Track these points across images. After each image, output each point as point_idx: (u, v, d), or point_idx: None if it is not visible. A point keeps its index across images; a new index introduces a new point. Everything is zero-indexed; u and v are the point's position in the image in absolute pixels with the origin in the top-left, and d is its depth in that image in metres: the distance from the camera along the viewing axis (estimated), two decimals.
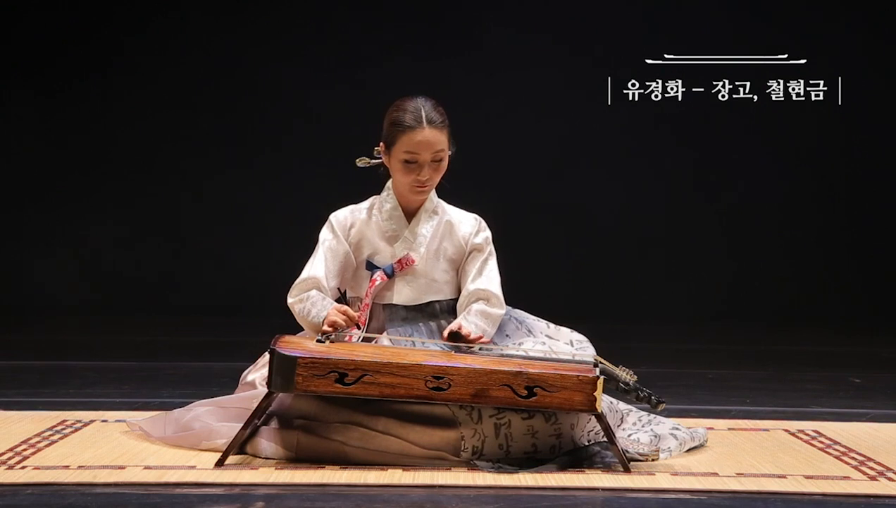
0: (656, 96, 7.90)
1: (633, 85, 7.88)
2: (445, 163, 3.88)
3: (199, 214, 7.93)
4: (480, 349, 3.73)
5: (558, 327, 3.96)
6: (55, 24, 7.89)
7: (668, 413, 4.03)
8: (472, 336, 3.72)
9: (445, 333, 3.75)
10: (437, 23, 7.93)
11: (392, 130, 3.85)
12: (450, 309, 3.95)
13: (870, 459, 3.79)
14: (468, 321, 3.80)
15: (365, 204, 3.99)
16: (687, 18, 7.93)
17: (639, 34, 7.92)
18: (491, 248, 3.99)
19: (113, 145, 7.96)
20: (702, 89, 7.90)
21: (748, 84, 7.89)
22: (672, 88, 7.91)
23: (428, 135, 3.83)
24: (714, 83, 7.91)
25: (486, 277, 3.93)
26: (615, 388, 3.63)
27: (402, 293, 3.91)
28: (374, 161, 3.98)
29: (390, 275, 3.90)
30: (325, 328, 3.74)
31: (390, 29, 7.90)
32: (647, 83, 7.89)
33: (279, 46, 7.92)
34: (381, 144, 3.91)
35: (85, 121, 7.93)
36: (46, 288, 7.83)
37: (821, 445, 4.00)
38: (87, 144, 7.94)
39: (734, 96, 7.94)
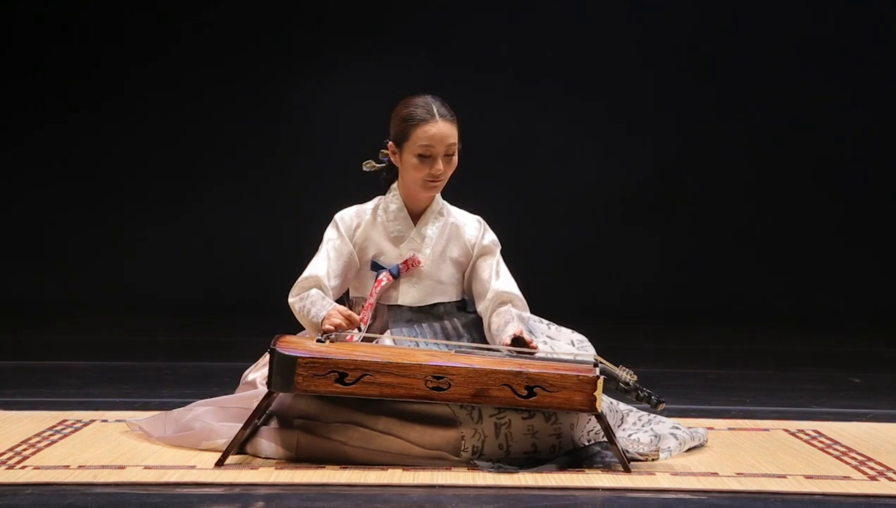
0: (658, 95, 7.92)
1: (635, 82, 7.90)
2: (456, 158, 3.88)
3: (198, 214, 7.93)
4: (519, 353, 3.70)
5: (559, 327, 3.96)
6: (88, 37, 7.94)
7: (669, 413, 4.03)
8: (534, 345, 3.70)
9: (508, 339, 3.73)
10: (438, 24, 7.93)
11: (404, 126, 3.85)
12: (455, 311, 3.94)
13: (870, 459, 3.79)
14: (525, 329, 3.79)
15: (370, 205, 3.98)
16: (687, 20, 7.95)
17: (642, 35, 7.93)
18: (499, 250, 3.99)
19: (115, 146, 7.97)
20: (704, 87, 7.93)
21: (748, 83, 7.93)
22: (674, 86, 7.92)
23: (442, 127, 3.83)
24: (713, 82, 7.94)
25: (505, 279, 3.93)
26: (615, 388, 3.63)
27: (408, 294, 3.91)
28: (379, 165, 3.98)
29: (396, 276, 3.89)
30: (327, 326, 3.73)
31: (392, 30, 7.91)
32: (649, 82, 7.91)
33: (282, 49, 7.93)
34: (391, 143, 3.90)
35: (93, 131, 7.96)
36: (46, 289, 7.83)
37: (821, 445, 4.00)
38: (93, 147, 7.96)
39: (734, 97, 7.95)
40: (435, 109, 3.84)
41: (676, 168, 7.95)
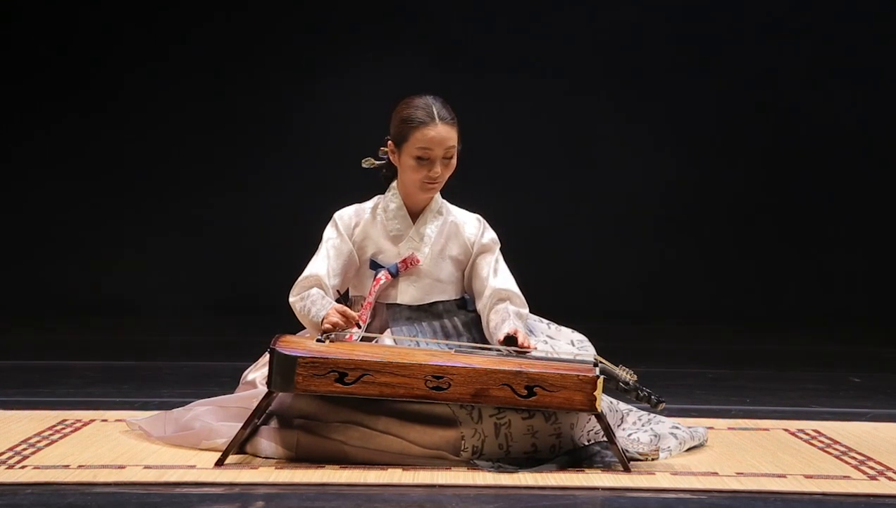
0: (661, 92, 7.92)
1: (636, 80, 7.90)
2: (455, 160, 3.88)
3: (197, 215, 7.93)
4: (518, 353, 3.70)
5: (559, 327, 3.96)
6: (83, 41, 7.97)
7: (669, 413, 4.03)
8: (527, 344, 3.71)
9: (502, 337, 3.73)
10: (439, 23, 7.93)
11: (403, 127, 3.84)
12: (454, 309, 3.94)
13: (870, 458, 3.79)
14: (522, 328, 3.79)
15: (369, 203, 3.98)
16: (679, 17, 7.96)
17: (643, 32, 7.93)
18: (499, 248, 3.99)
19: (117, 150, 7.97)
20: (704, 83, 7.94)
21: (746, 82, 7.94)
22: (676, 82, 7.93)
23: (441, 130, 3.82)
24: (711, 81, 7.95)
25: (503, 276, 3.93)
26: (615, 388, 3.63)
27: (407, 293, 3.91)
28: (378, 162, 3.98)
29: (395, 274, 3.89)
30: (326, 326, 3.73)
31: (397, 31, 7.91)
32: (651, 79, 7.91)
33: (282, 47, 7.94)
34: (390, 142, 3.90)
35: (95, 130, 7.96)
36: (46, 288, 7.83)
37: (821, 444, 4.00)
38: (97, 151, 7.97)
39: (735, 97, 7.96)
40: (435, 112, 3.83)
41: (679, 170, 7.94)
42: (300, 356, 3.54)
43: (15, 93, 7.96)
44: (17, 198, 7.97)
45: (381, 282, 3.88)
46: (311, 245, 3.96)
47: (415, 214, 3.95)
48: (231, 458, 3.60)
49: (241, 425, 3.63)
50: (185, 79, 7.95)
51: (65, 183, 7.92)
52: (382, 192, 3.98)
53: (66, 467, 3.54)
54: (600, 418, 3.57)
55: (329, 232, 3.95)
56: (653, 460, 3.68)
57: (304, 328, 3.90)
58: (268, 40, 7.97)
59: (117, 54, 7.96)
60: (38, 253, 7.92)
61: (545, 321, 3.98)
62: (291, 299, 3.88)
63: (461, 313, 3.95)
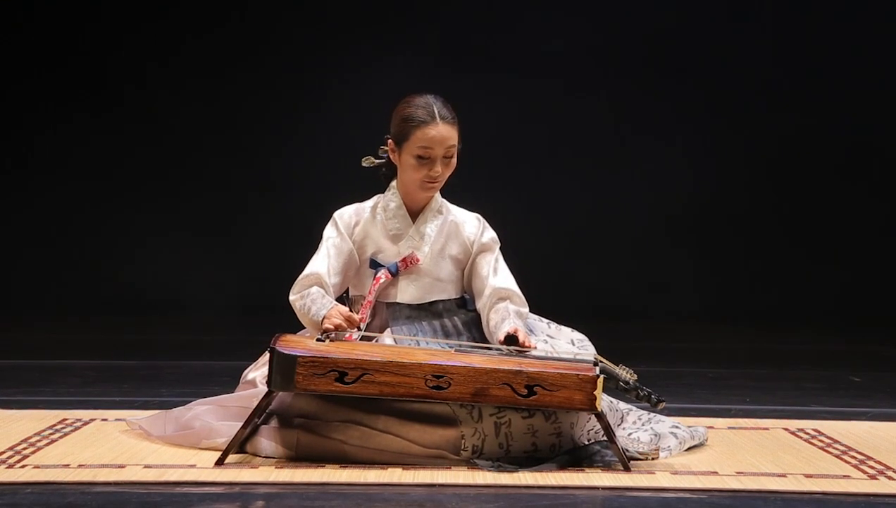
0: (659, 93, 7.92)
1: (639, 81, 7.91)
2: (455, 159, 3.88)
3: (198, 212, 7.93)
4: (519, 352, 3.70)
5: (559, 326, 3.96)
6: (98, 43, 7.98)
7: (669, 412, 4.03)
8: (527, 343, 3.71)
9: (502, 336, 3.73)
10: (440, 22, 7.94)
11: (404, 126, 3.84)
12: (454, 308, 3.94)
13: (870, 458, 3.79)
14: (522, 327, 3.79)
15: (369, 203, 3.99)
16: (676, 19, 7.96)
17: (642, 34, 7.94)
18: (498, 247, 3.99)
19: (121, 149, 7.98)
20: (701, 83, 7.94)
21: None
22: (679, 83, 7.93)
23: (441, 130, 3.82)
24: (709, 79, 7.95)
25: (503, 275, 3.93)
26: (615, 387, 3.63)
27: (407, 292, 3.91)
28: (378, 161, 3.98)
29: (395, 273, 3.90)
30: (327, 325, 3.73)
31: (395, 28, 7.91)
32: (653, 80, 7.91)
33: (282, 47, 7.94)
34: (390, 141, 3.90)
35: (97, 128, 7.97)
36: (47, 288, 7.84)
37: (821, 444, 4.00)
38: (102, 150, 7.97)
39: (734, 97, 7.96)
40: (436, 111, 3.83)
41: (682, 170, 7.94)
42: (300, 356, 3.54)
43: (18, 93, 7.96)
44: (17, 198, 7.96)
45: (381, 281, 3.88)
46: (311, 245, 3.96)
47: (414, 213, 3.95)
48: (231, 457, 3.60)
49: (241, 424, 3.63)
50: (188, 79, 7.94)
51: (65, 184, 7.92)
52: (382, 191, 3.98)
53: (67, 466, 3.54)
54: (600, 417, 3.57)
55: (329, 231, 3.95)
56: (653, 459, 3.68)
57: (304, 327, 3.90)
58: (268, 40, 7.97)
59: (119, 57, 7.97)
60: (39, 253, 7.92)
61: (545, 320, 3.98)
62: (291, 298, 3.88)
63: (461, 313, 3.95)
